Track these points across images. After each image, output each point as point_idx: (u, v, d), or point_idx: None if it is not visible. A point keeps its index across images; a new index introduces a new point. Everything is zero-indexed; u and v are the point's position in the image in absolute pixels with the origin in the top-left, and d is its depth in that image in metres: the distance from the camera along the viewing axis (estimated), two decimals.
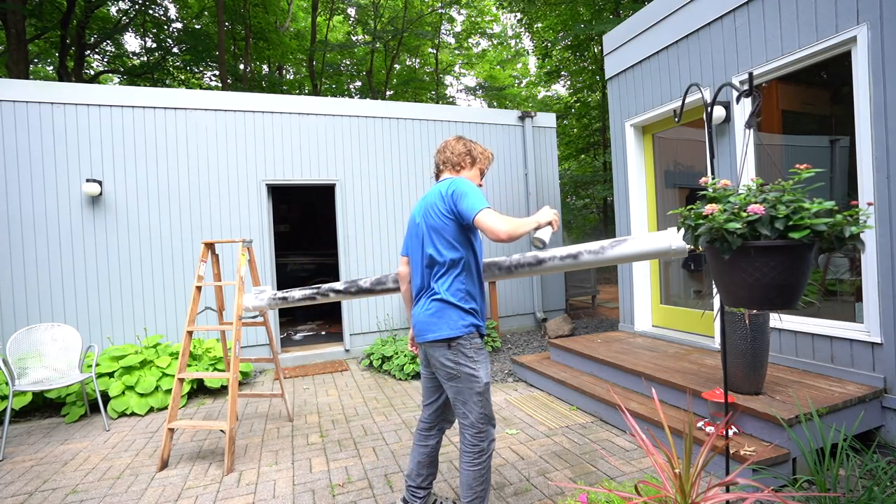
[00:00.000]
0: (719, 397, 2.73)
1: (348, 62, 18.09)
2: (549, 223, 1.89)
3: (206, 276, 4.36)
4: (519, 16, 15.40)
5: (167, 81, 15.04)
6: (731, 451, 2.51)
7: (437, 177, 2.23)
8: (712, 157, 2.18)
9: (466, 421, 1.99)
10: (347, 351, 5.94)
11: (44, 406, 4.25)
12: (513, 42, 20.23)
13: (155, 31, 14.66)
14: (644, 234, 2.66)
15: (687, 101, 3.97)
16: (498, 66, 21.85)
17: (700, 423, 2.87)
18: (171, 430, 3.09)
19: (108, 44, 14.20)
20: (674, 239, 1.96)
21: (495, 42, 20.21)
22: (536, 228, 1.89)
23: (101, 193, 4.99)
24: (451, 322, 1.94)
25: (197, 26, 14.83)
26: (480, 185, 2.20)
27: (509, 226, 1.78)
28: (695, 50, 4.10)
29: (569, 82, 16.25)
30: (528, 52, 19.93)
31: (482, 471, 1.99)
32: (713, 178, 1.60)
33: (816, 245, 1.36)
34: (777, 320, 3.39)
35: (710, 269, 1.57)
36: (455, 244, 1.96)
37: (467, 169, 2.18)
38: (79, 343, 4.03)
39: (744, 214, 1.39)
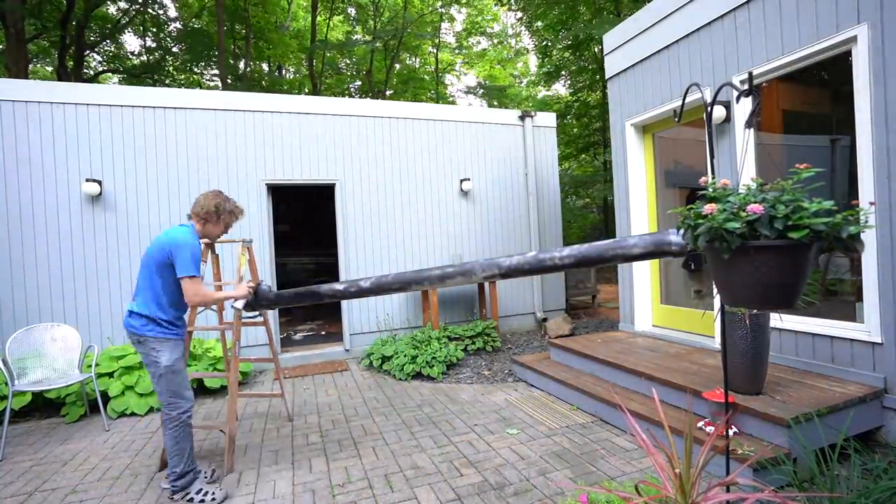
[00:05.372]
0: (719, 397, 2.72)
1: (348, 62, 18.08)
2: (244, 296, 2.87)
3: (206, 275, 4.35)
4: (519, 14, 15.40)
5: (167, 81, 15.03)
6: (732, 451, 2.51)
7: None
8: (712, 156, 2.18)
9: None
10: (347, 351, 5.94)
11: (43, 406, 4.24)
12: (513, 41, 20.23)
13: (154, 30, 14.65)
14: (645, 234, 2.65)
15: (687, 100, 3.94)
16: (498, 66, 21.84)
17: (700, 423, 2.87)
18: None
19: (107, 43, 14.20)
20: (674, 239, 1.96)
21: (495, 41, 20.20)
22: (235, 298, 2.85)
23: (100, 193, 4.99)
24: None
25: (196, 26, 14.83)
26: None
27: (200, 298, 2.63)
28: (695, 49, 4.10)
29: (569, 82, 16.24)
30: (528, 52, 19.93)
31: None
32: (713, 178, 1.60)
33: (816, 245, 1.35)
34: (777, 320, 3.38)
35: (709, 269, 1.57)
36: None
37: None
38: (78, 343, 4.03)
39: (743, 214, 1.38)
